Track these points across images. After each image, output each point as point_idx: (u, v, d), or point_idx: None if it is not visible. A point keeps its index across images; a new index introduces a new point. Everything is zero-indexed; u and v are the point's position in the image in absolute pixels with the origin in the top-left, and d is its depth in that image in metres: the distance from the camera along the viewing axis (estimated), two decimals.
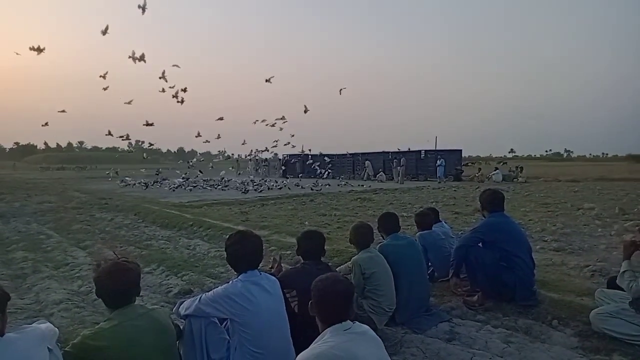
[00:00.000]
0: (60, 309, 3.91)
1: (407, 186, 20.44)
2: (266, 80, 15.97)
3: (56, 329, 1.97)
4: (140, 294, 2.39)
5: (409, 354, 3.05)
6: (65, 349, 1.90)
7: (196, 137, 17.76)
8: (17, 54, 9.87)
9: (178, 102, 13.80)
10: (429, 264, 4.40)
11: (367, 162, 28.67)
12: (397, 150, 28.97)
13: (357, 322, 1.93)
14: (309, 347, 1.82)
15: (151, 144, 19.90)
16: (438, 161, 24.98)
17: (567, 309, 3.60)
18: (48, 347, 1.78)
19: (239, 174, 27.19)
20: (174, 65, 12.17)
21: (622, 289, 3.19)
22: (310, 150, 27.03)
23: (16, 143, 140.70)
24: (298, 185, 19.78)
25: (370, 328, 1.96)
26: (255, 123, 18.64)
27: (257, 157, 32.15)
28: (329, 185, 20.27)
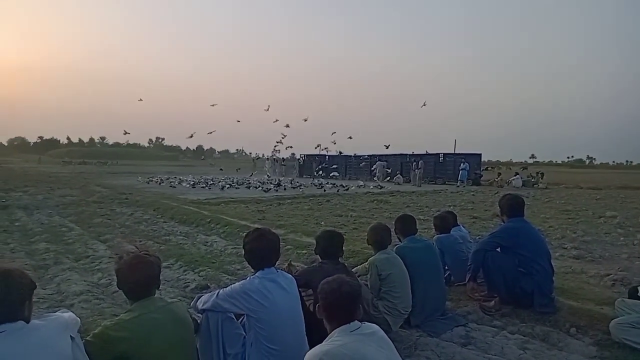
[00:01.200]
0: (80, 300, 4.00)
1: (424, 189, 20.30)
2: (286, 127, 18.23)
3: (78, 318, 2.02)
4: (159, 288, 2.43)
5: (423, 357, 3.03)
6: (87, 338, 1.95)
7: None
8: None
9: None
10: (446, 267, 4.37)
11: (378, 162, 28.25)
12: (412, 153, 28.79)
13: (365, 322, 1.94)
14: (318, 345, 1.84)
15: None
16: (462, 164, 24.54)
17: (586, 317, 3.54)
18: (71, 336, 1.82)
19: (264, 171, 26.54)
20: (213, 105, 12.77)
21: None
22: (327, 149, 27.07)
23: (40, 137, 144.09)
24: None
25: (379, 328, 1.97)
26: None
27: (274, 157, 32.40)
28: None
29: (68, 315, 1.94)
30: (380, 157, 29.17)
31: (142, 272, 2.04)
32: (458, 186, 23.12)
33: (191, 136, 21.35)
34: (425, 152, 28.63)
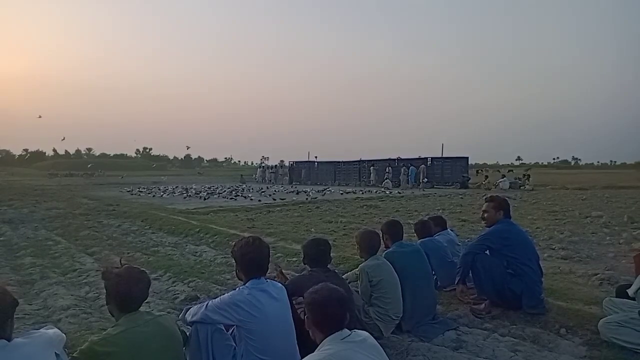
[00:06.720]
0: (67, 315, 3.93)
1: (413, 193, 20.37)
2: None
3: (63, 334, 1.99)
4: (147, 300, 2.40)
5: None
6: (73, 355, 1.91)
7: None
8: None
9: None
10: (432, 272, 4.37)
11: (372, 168, 29.14)
12: (399, 158, 29.22)
13: (355, 330, 1.93)
14: (309, 355, 1.82)
15: None
16: (409, 168, 26.11)
17: (575, 317, 3.57)
18: (55, 353, 1.79)
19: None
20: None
21: (630, 298, 3.16)
22: (316, 157, 27.24)
23: (25, 150, 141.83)
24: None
25: (370, 335, 1.96)
26: None
27: (263, 164, 32.46)
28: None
29: (53, 331, 1.91)
30: (374, 163, 29.74)
31: (140, 284, 2.03)
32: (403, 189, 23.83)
33: None
34: (417, 157, 29.04)
